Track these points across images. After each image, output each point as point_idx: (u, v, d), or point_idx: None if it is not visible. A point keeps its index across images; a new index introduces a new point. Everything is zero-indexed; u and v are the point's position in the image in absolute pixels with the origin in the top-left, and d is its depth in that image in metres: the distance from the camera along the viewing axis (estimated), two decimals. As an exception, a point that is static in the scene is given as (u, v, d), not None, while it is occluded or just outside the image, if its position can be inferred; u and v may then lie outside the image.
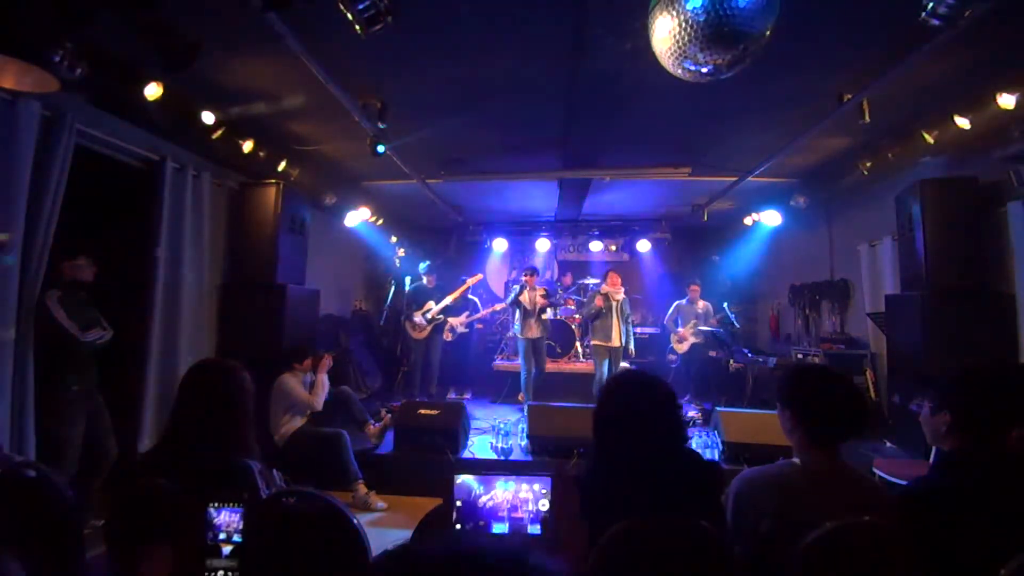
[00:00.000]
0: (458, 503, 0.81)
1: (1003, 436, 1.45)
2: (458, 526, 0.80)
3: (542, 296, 6.15)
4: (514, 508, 0.82)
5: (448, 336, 6.41)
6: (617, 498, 1.42)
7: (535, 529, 0.82)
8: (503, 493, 0.82)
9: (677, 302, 6.70)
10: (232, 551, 1.06)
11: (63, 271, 3.14)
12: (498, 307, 6.91)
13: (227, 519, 1.08)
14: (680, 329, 6.55)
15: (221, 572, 1.06)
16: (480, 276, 6.77)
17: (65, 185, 3.08)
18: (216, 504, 1.09)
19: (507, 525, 0.82)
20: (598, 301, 5.76)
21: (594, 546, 0.81)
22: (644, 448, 1.49)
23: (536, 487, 0.80)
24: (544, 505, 0.78)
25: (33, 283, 2.95)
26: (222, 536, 1.08)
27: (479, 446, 4.53)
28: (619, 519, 1.32)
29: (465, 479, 0.81)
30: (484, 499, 0.82)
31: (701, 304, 6.47)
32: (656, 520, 1.35)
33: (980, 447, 1.43)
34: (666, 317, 6.78)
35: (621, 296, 5.81)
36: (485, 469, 0.96)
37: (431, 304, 6.19)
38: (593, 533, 0.81)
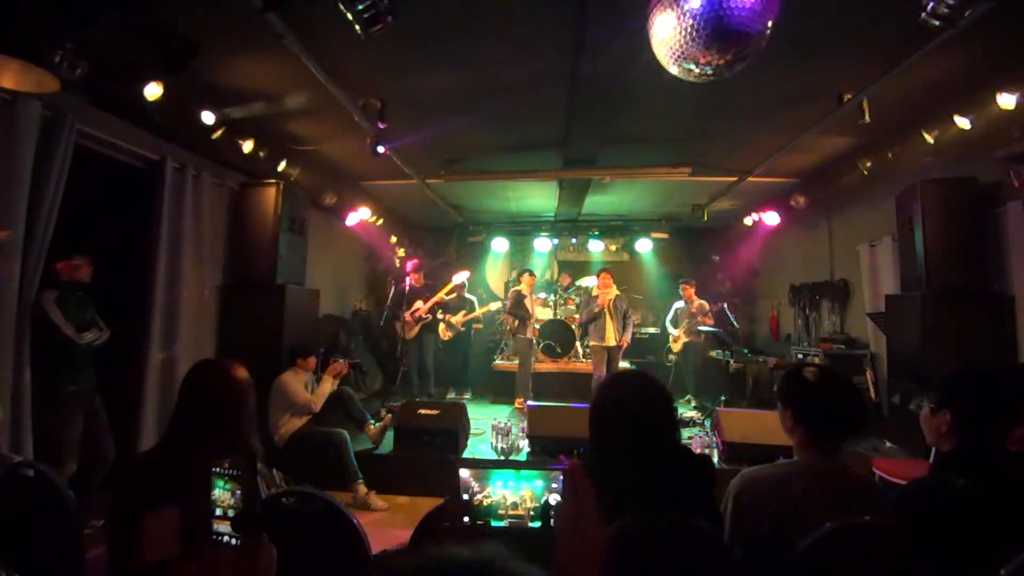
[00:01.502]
0: (464, 496, 0.80)
1: (1003, 436, 1.45)
2: (466, 519, 0.79)
3: (539, 299, 6.20)
4: (514, 505, 0.81)
5: (446, 335, 6.41)
6: (610, 494, 1.42)
7: (535, 524, 0.80)
8: (502, 490, 0.81)
9: (676, 304, 6.72)
10: (232, 524, 1.07)
11: (59, 271, 3.13)
12: (492, 307, 6.91)
13: (220, 495, 1.09)
14: (674, 330, 6.59)
15: (226, 537, 1.07)
16: (467, 273, 6.75)
17: (64, 185, 3.08)
18: (215, 470, 1.09)
19: (506, 523, 0.81)
20: (597, 303, 5.83)
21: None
22: (636, 444, 1.49)
23: (537, 484, 0.79)
24: (554, 499, 0.77)
25: (31, 283, 2.96)
26: (218, 512, 1.09)
27: (479, 446, 4.54)
28: (615, 516, 1.32)
29: (464, 474, 0.80)
30: (481, 496, 0.81)
31: (696, 303, 6.46)
32: (654, 519, 1.34)
33: (980, 447, 1.43)
34: (667, 319, 6.83)
35: (612, 295, 5.85)
36: (483, 465, 0.95)
37: (419, 303, 6.20)
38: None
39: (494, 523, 0.84)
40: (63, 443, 3.01)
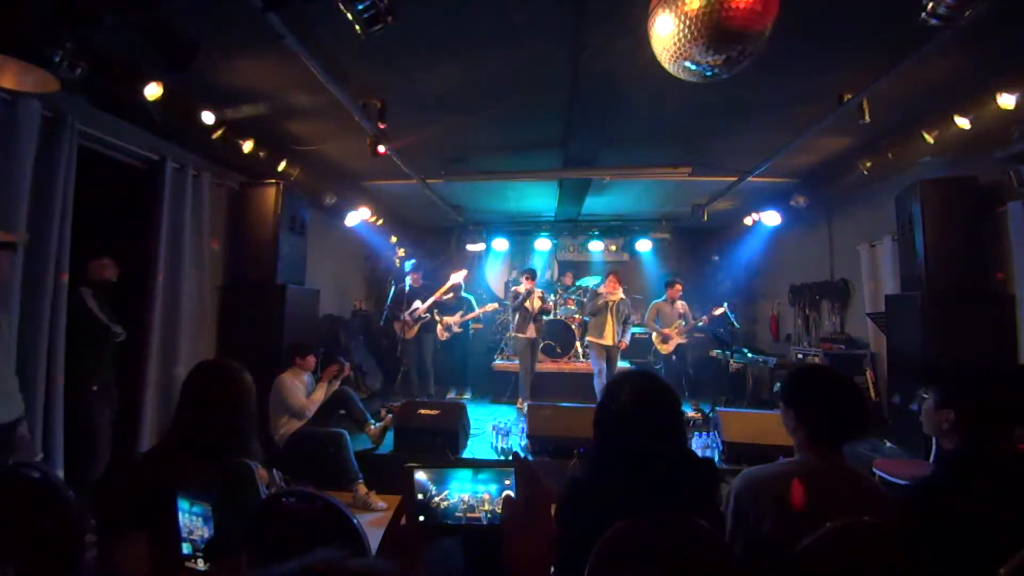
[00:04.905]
0: (420, 496, 0.78)
1: (1004, 435, 1.45)
2: (421, 518, 0.77)
3: (540, 299, 6.22)
4: (470, 508, 0.79)
5: (444, 335, 6.41)
6: (614, 495, 1.42)
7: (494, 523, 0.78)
8: (458, 492, 0.79)
9: (655, 302, 6.27)
10: (204, 552, 1.02)
11: (89, 271, 3.28)
12: (490, 307, 6.90)
13: (191, 522, 1.03)
14: (665, 329, 6.11)
15: (200, 563, 1.03)
16: (464, 272, 6.69)
17: (74, 184, 3.13)
18: (183, 494, 1.03)
19: (463, 524, 0.79)
20: (602, 298, 5.87)
21: (563, 551, 0.77)
22: (640, 445, 1.49)
23: (495, 485, 0.77)
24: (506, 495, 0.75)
25: (58, 281, 3.04)
26: (189, 537, 1.04)
27: (479, 446, 4.54)
28: (616, 516, 1.32)
29: (419, 475, 0.77)
30: (438, 499, 0.79)
31: (680, 305, 6.13)
32: (656, 519, 1.34)
33: (982, 446, 1.43)
34: (647, 317, 6.31)
35: (617, 297, 5.86)
36: (438, 465, 0.92)
37: (417, 303, 6.19)
38: (566, 538, 0.78)
39: (450, 523, 0.83)
40: (97, 432, 3.14)
